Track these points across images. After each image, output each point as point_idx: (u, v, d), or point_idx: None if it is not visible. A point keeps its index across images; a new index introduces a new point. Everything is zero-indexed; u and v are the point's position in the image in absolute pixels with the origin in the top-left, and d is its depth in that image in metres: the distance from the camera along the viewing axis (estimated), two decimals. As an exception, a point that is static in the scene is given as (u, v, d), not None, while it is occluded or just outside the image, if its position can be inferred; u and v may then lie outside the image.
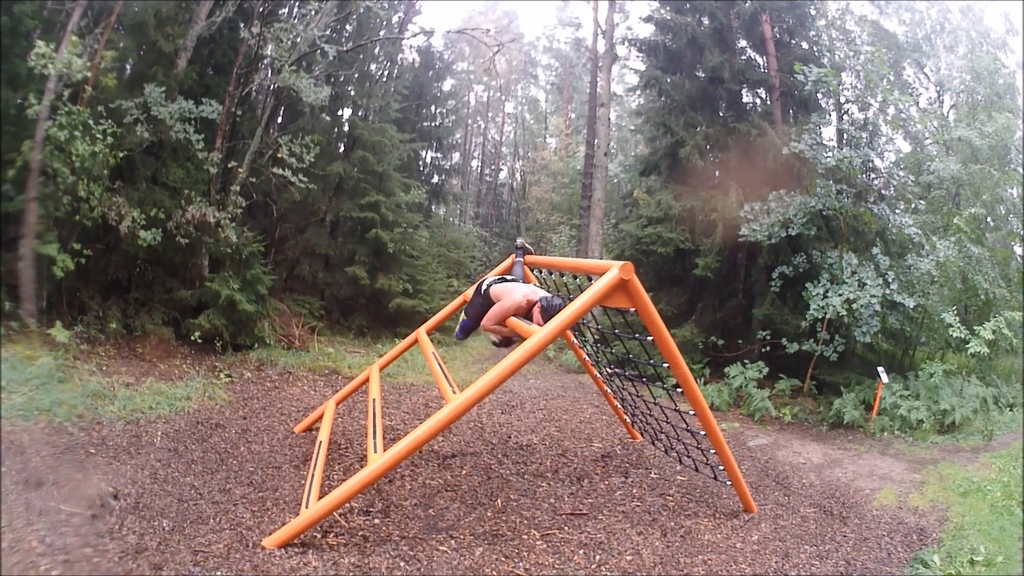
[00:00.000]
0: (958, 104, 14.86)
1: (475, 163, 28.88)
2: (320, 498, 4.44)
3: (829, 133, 12.26)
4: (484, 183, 30.87)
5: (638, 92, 17.02)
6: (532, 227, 25.12)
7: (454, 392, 4.48)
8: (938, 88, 15.02)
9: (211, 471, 5.47)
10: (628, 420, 7.79)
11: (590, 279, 5.00)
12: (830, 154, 10.21)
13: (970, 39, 14.86)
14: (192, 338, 8.73)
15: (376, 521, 4.91)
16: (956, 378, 10.48)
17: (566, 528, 5.24)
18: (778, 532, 5.63)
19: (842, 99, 12.15)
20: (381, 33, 12.12)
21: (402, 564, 4.26)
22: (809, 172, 11.18)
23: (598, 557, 4.78)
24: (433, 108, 17.70)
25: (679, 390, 5.29)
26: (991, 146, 11.41)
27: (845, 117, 12.03)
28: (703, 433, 5.63)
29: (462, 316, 5.80)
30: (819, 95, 12.18)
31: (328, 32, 10.03)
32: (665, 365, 5.15)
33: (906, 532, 5.80)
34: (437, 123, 17.64)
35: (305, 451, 6.22)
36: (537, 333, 4.32)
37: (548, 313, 4.68)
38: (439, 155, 19.28)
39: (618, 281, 4.41)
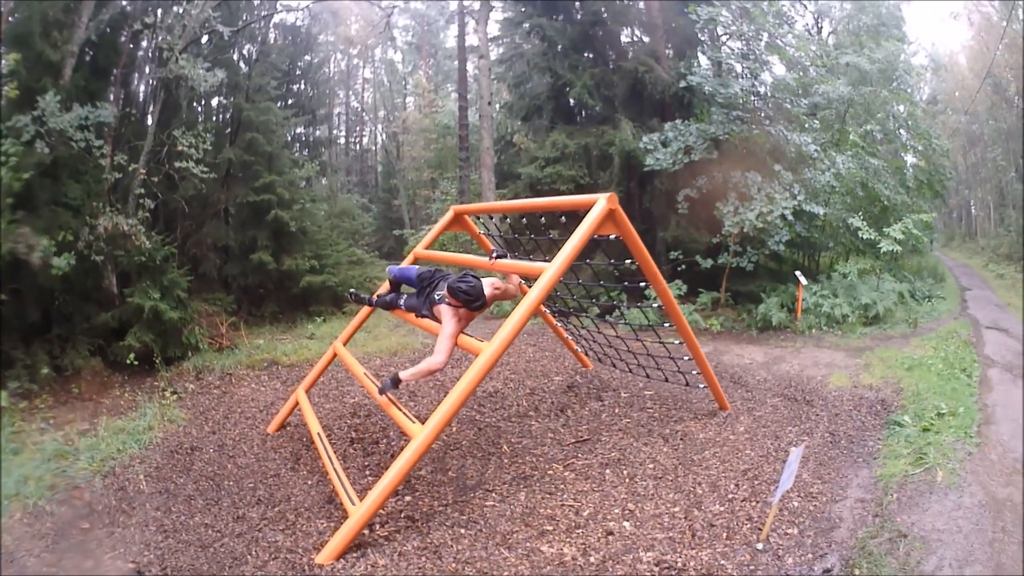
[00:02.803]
0: (837, 31, 16.30)
1: (336, 132, 27.84)
2: (357, 494, 4.29)
3: (704, 63, 13.12)
4: (351, 151, 30.04)
5: (502, 41, 17.24)
6: (408, 186, 24.87)
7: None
8: (816, 16, 16.37)
9: (214, 501, 4.99)
10: (579, 351, 8.29)
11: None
12: (725, 86, 11.06)
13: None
14: (127, 362, 8.03)
15: (408, 499, 4.84)
16: (870, 277, 11.90)
17: (580, 455, 5.58)
18: (759, 421, 6.35)
19: (721, 32, 13.05)
20: (261, 12, 11.41)
21: (463, 531, 4.30)
22: (699, 102, 12.06)
23: (625, 471, 5.19)
24: (303, 83, 16.84)
25: (657, 304, 5.71)
26: (880, 69, 12.66)
27: (724, 49, 13.00)
28: (679, 342, 6.15)
29: (405, 265, 5.57)
30: (700, 31, 13.02)
31: (214, 14, 9.31)
32: (643, 284, 5.56)
33: (870, 404, 6.72)
34: (310, 95, 16.79)
35: (291, 450, 5.96)
36: (547, 271, 4.40)
37: (460, 295, 4.46)
38: (313, 128, 18.47)
39: (607, 211, 4.66)
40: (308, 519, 4.58)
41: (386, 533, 4.31)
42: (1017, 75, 19.81)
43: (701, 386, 6.54)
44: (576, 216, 4.89)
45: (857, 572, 3.63)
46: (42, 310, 7.90)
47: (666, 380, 6.89)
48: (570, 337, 8.14)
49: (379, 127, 30.42)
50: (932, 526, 4.03)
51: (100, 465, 5.61)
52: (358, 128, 31.08)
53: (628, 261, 5.38)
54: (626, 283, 5.98)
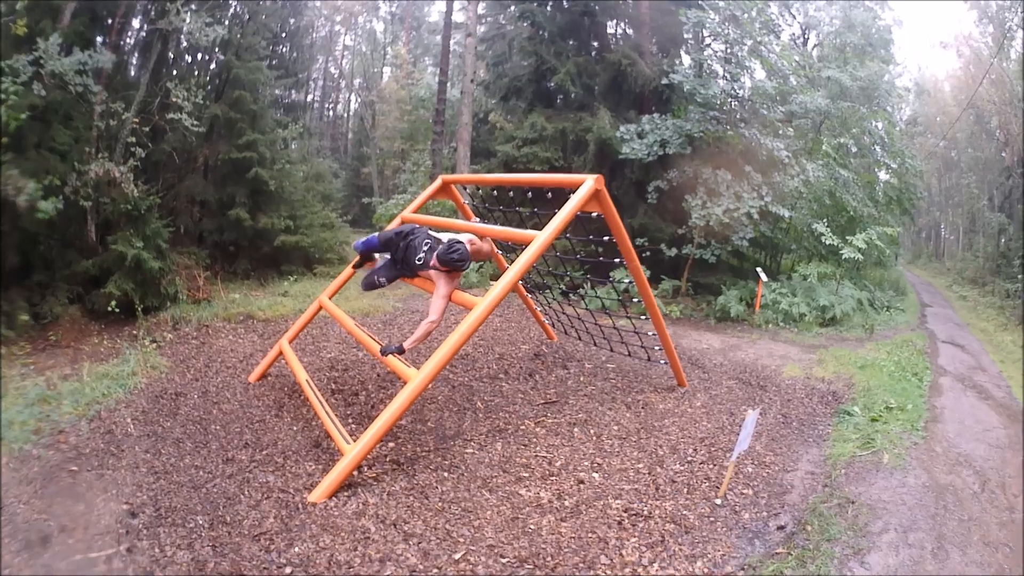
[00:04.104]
0: (823, 44, 16.83)
1: (310, 97, 27.61)
2: (350, 436, 4.58)
3: (687, 62, 13.64)
4: (325, 117, 29.82)
5: (485, 20, 17.45)
6: (378, 156, 24.95)
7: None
8: (803, 27, 16.79)
9: (202, 444, 5.10)
10: (547, 323, 8.79)
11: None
12: (706, 87, 11.53)
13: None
14: (108, 310, 8.05)
15: (391, 445, 5.17)
16: (830, 281, 12.45)
17: (549, 414, 6.05)
18: (714, 399, 6.89)
19: (707, 33, 13.51)
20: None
21: (446, 475, 4.68)
22: (678, 98, 12.57)
23: (592, 431, 5.69)
24: (288, 46, 16.71)
25: (623, 287, 6.16)
26: (861, 87, 13.27)
27: (707, 51, 13.47)
28: (645, 316, 6.66)
29: (374, 235, 5.63)
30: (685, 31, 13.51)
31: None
32: (617, 260, 6.01)
33: (821, 395, 7.27)
34: (294, 58, 16.68)
35: (274, 398, 6.22)
36: (537, 239, 4.80)
37: (455, 264, 4.76)
38: (291, 91, 18.38)
39: (594, 191, 5.11)
40: (296, 461, 4.80)
41: (374, 475, 4.61)
42: (1000, 109, 20.71)
43: (662, 362, 7.04)
44: (555, 198, 5.25)
45: (808, 528, 4.09)
46: (23, 255, 7.88)
47: (629, 355, 7.39)
48: (539, 308, 8.60)
49: (354, 95, 30.24)
50: (878, 497, 4.47)
51: (85, 409, 5.59)
52: (334, 95, 30.82)
53: (606, 238, 5.82)
54: (602, 259, 6.42)
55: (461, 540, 3.84)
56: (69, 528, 3.81)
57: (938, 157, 28.13)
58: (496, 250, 6.65)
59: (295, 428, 5.50)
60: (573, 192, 5.17)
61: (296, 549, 3.65)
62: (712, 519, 4.22)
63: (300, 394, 6.19)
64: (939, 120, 27.94)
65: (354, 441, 4.46)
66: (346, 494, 4.27)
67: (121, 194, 8.17)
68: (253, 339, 8.41)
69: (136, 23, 9.65)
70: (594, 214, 5.38)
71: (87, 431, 5.22)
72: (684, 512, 4.27)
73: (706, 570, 3.67)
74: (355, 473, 4.49)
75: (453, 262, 4.76)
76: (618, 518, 4.17)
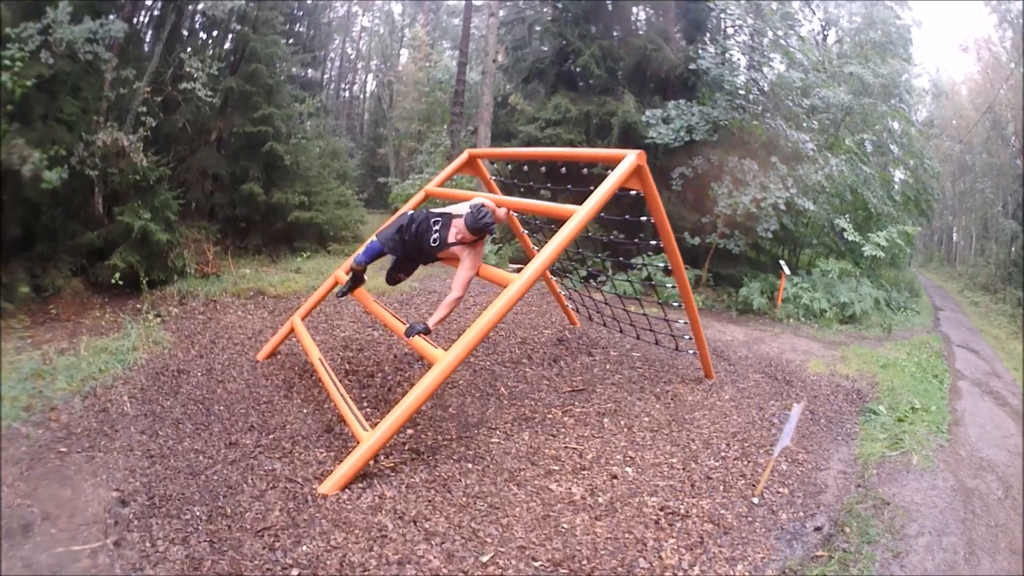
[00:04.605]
0: (843, 40, 16.50)
1: (326, 76, 27.35)
2: (367, 421, 4.20)
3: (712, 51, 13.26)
4: (341, 97, 29.54)
5: (504, 4, 17.19)
6: (394, 137, 24.72)
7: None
8: (824, 24, 16.39)
9: (204, 426, 4.71)
10: (571, 308, 8.48)
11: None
12: (732, 74, 11.34)
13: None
14: (112, 282, 7.71)
15: (410, 432, 4.81)
16: (849, 278, 12.31)
17: (576, 403, 5.72)
18: (742, 392, 6.62)
19: (728, 23, 13.27)
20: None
21: (470, 466, 4.34)
22: (703, 86, 12.27)
23: (623, 422, 5.37)
24: (306, 24, 16.34)
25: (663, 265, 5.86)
26: (883, 84, 12.94)
27: (730, 41, 13.15)
28: (677, 304, 6.34)
29: (373, 239, 4.95)
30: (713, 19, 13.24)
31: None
32: (654, 243, 5.70)
33: (846, 392, 7.05)
34: (311, 35, 16.32)
35: (284, 378, 5.85)
36: (576, 214, 4.48)
37: (486, 229, 4.41)
38: (308, 69, 18.05)
39: (635, 167, 4.80)
40: (306, 448, 4.42)
41: (391, 465, 4.23)
42: (1017, 115, 20.34)
43: (690, 352, 6.76)
44: (581, 178, 5.18)
45: (847, 530, 3.88)
46: (25, 226, 7.57)
47: (656, 343, 7.11)
48: (563, 293, 8.31)
49: (370, 76, 29.97)
50: (911, 499, 4.33)
51: (80, 385, 5.20)
52: (350, 75, 30.53)
53: (643, 218, 5.54)
54: (637, 241, 6.11)
55: (489, 540, 3.51)
56: (53, 516, 3.43)
57: (953, 160, 27.73)
58: (515, 220, 6.34)
59: (305, 411, 5.12)
60: (610, 169, 4.85)
61: (304, 547, 3.29)
62: (750, 519, 4.00)
63: (312, 374, 5.84)
64: (955, 123, 27.72)
65: (371, 427, 4.08)
66: (361, 486, 3.88)
67: (130, 164, 7.82)
68: (263, 315, 8.06)
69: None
70: (632, 192, 5.08)
71: (80, 409, 4.84)
72: (722, 511, 4.04)
73: (747, 573, 3.44)
74: (371, 463, 4.10)
75: (486, 227, 4.35)
76: (655, 517, 3.89)
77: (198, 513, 3.53)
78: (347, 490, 3.82)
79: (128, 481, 3.84)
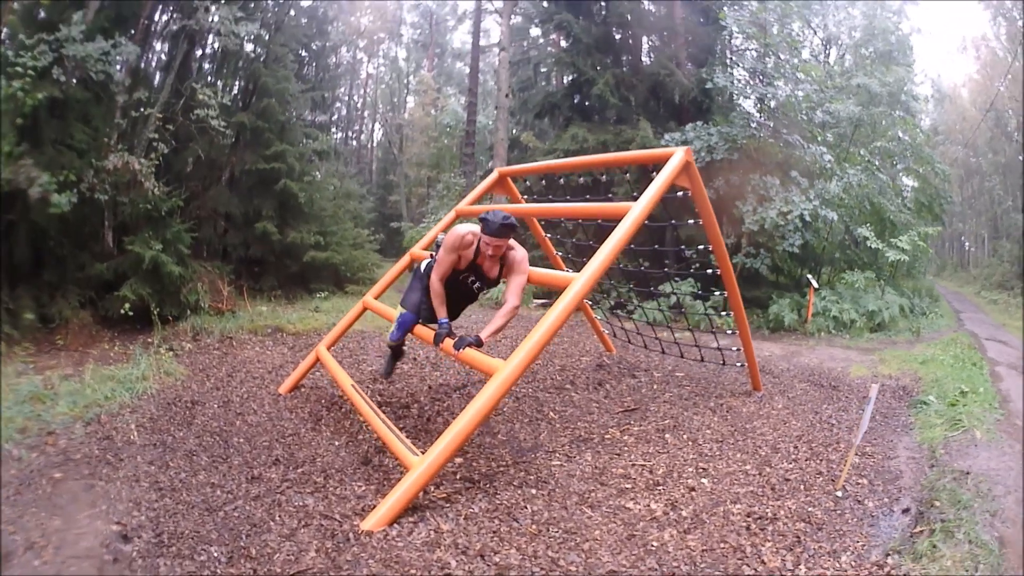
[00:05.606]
0: (845, 57, 16.97)
1: (335, 120, 27.71)
2: (415, 447, 3.75)
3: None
4: (349, 145, 29.86)
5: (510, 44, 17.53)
6: (406, 183, 25.01)
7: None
8: (824, 42, 16.91)
9: (222, 458, 4.24)
10: (605, 333, 8.23)
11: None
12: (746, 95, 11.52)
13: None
14: (122, 313, 7.43)
15: (459, 460, 4.32)
16: (874, 288, 12.33)
17: (632, 422, 5.35)
18: (793, 401, 6.41)
19: (738, 43, 13.47)
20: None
21: (534, 491, 3.88)
22: (716, 107, 12.39)
23: (685, 436, 5.04)
24: (315, 65, 16.50)
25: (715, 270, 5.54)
26: (890, 92, 13.15)
27: (737, 70, 13.33)
28: (727, 313, 6.05)
29: (401, 311, 4.58)
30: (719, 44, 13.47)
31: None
32: (701, 247, 5.66)
33: (893, 390, 6.95)
34: (321, 78, 16.44)
35: (310, 410, 5.39)
36: (630, 212, 4.20)
37: (505, 228, 3.92)
38: (317, 113, 18.17)
39: (684, 163, 4.67)
40: (341, 481, 3.94)
41: (443, 495, 3.74)
42: (1017, 109, 20.61)
43: (739, 364, 6.63)
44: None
45: (937, 503, 3.77)
46: (33, 252, 7.31)
47: (702, 359, 6.99)
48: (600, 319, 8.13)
49: (378, 123, 30.48)
50: (987, 467, 4.28)
51: (83, 411, 4.83)
52: (357, 124, 30.96)
53: (691, 220, 5.41)
54: (683, 248, 5.82)
55: (573, 569, 3.01)
56: (38, 546, 3.00)
57: (960, 164, 28.09)
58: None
59: (336, 443, 4.63)
60: (656, 171, 4.66)
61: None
62: (839, 512, 3.81)
63: (341, 407, 5.41)
64: (959, 127, 28.10)
65: (421, 453, 3.60)
66: (411, 520, 3.38)
67: (140, 193, 7.62)
68: (283, 351, 7.67)
69: (162, 19, 9.34)
70: (679, 192, 4.99)
71: (82, 435, 4.44)
72: (809, 509, 3.81)
73: (854, 562, 3.21)
74: (420, 494, 3.60)
75: (510, 224, 3.88)
76: (744, 523, 3.56)
77: (216, 554, 3.03)
78: (395, 525, 3.32)
79: (132, 514, 3.39)
